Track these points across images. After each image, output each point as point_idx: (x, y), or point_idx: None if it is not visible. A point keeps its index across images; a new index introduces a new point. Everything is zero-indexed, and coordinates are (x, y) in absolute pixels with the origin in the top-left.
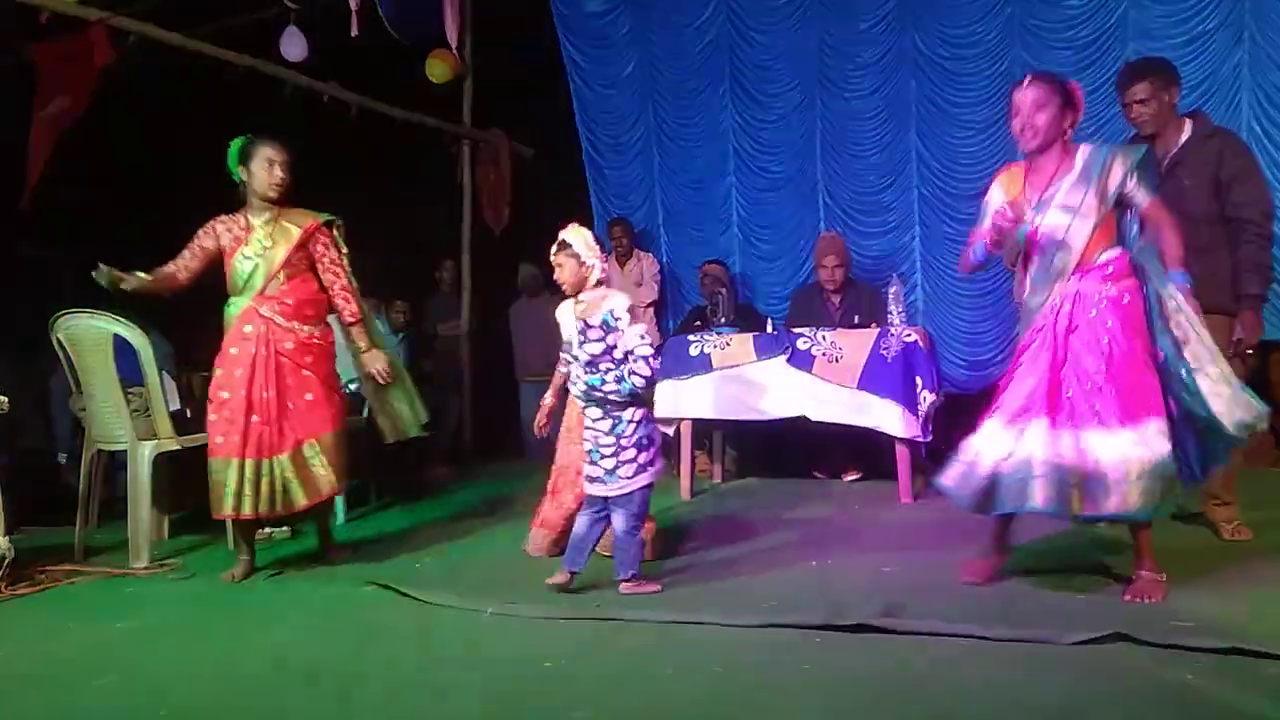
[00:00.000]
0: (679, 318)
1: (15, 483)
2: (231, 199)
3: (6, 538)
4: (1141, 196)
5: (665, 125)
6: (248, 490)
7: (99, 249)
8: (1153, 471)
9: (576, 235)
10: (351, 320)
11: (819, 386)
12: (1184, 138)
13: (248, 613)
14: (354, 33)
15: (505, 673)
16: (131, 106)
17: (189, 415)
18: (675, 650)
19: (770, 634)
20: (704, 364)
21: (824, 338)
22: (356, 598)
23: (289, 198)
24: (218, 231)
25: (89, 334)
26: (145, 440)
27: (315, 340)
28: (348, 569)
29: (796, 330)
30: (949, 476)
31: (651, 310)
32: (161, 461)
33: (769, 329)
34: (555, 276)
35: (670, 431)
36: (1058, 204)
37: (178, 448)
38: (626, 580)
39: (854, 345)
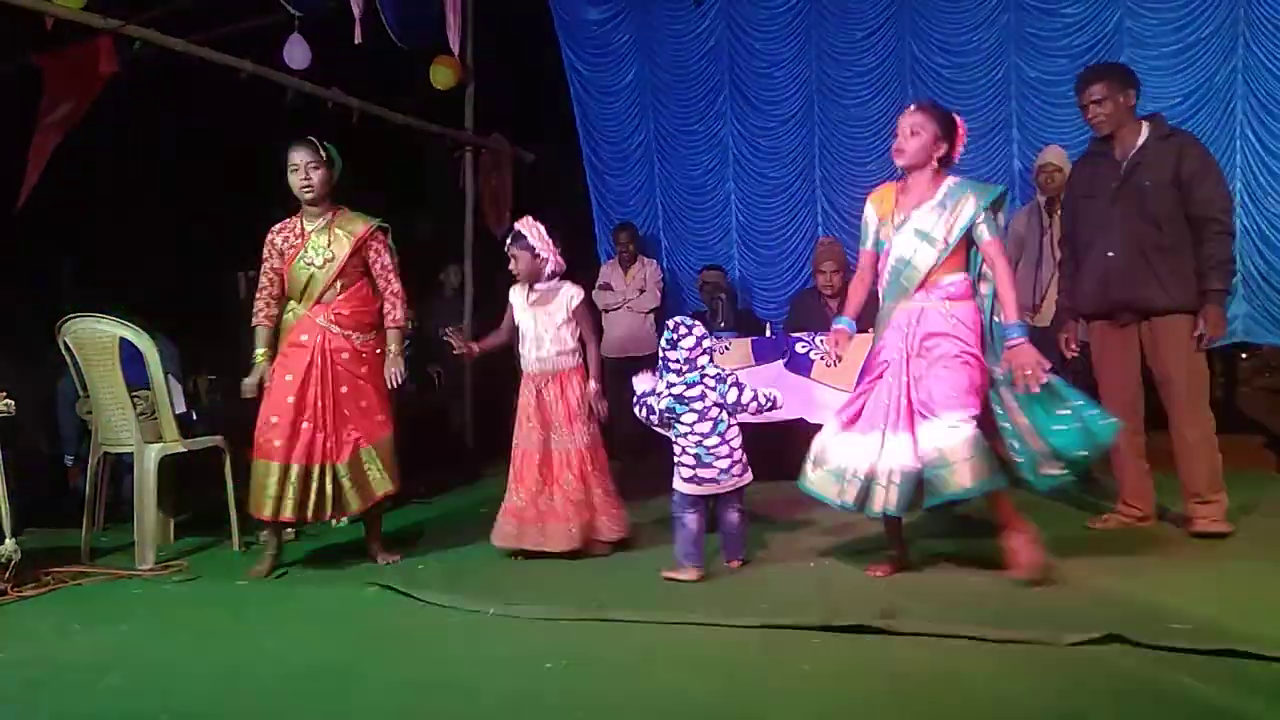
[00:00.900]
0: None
1: (22, 485)
2: (234, 201)
3: (13, 539)
4: (983, 233)
5: (665, 132)
6: (289, 495)
7: (101, 253)
8: (972, 449)
9: (530, 228)
10: (394, 325)
11: (817, 390)
12: (1141, 140)
13: (251, 614)
14: (357, 40)
15: (506, 673)
16: (136, 112)
17: (194, 418)
18: (675, 650)
19: (769, 634)
20: None
21: (822, 342)
22: (359, 598)
23: (335, 196)
24: (276, 245)
25: (95, 337)
26: (151, 443)
27: (370, 347)
28: (351, 570)
29: (795, 335)
30: (819, 485)
31: (653, 316)
32: (167, 464)
33: (767, 333)
34: (510, 267)
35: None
36: (912, 227)
37: (183, 450)
38: (742, 561)
39: (852, 349)
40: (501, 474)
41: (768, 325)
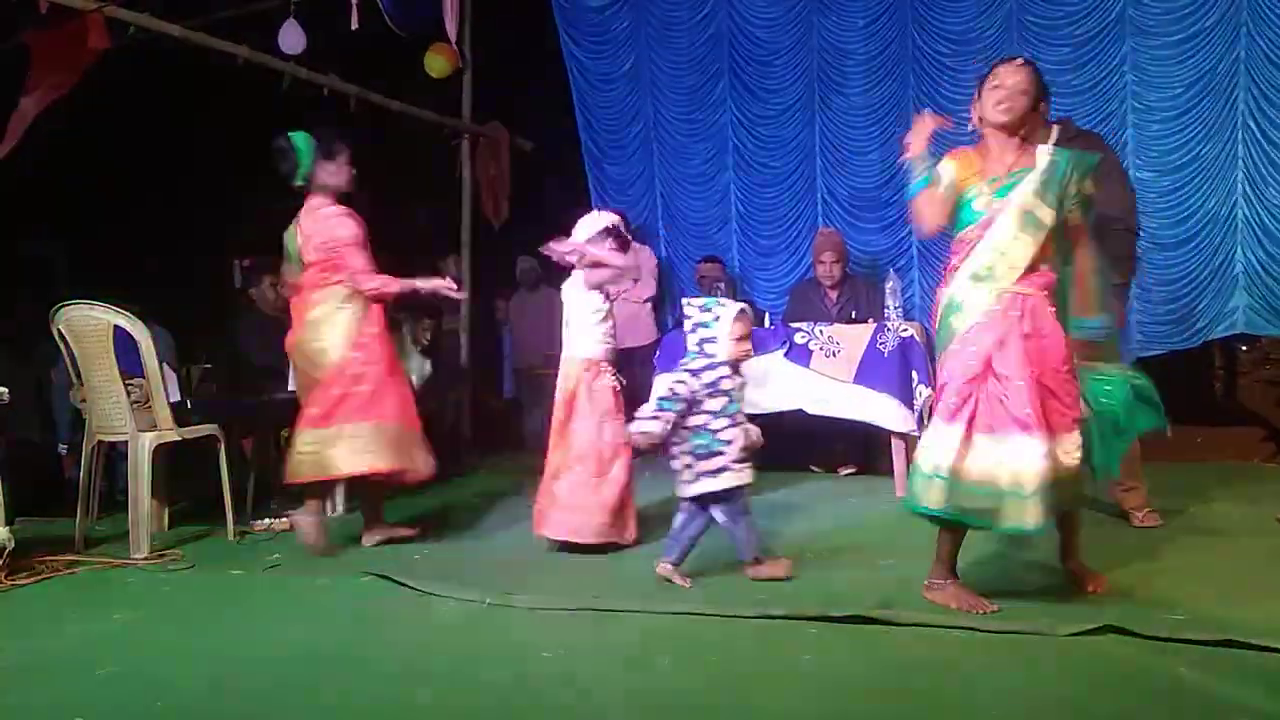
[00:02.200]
0: (677, 313)
1: (16, 473)
2: (225, 191)
3: (7, 528)
4: (1076, 214)
5: (664, 121)
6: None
7: (95, 241)
8: (1067, 480)
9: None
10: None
11: (816, 381)
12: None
13: (246, 602)
14: (353, 25)
15: (502, 662)
16: (129, 98)
17: (189, 406)
18: (672, 641)
19: (766, 625)
20: None
21: (821, 332)
22: (355, 588)
23: None
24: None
25: (89, 325)
26: (145, 431)
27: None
28: (346, 559)
29: (794, 325)
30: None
31: (650, 305)
32: (161, 453)
33: (767, 324)
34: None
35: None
36: (1015, 205)
37: (178, 439)
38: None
39: (851, 340)
40: (498, 465)
41: (767, 315)
